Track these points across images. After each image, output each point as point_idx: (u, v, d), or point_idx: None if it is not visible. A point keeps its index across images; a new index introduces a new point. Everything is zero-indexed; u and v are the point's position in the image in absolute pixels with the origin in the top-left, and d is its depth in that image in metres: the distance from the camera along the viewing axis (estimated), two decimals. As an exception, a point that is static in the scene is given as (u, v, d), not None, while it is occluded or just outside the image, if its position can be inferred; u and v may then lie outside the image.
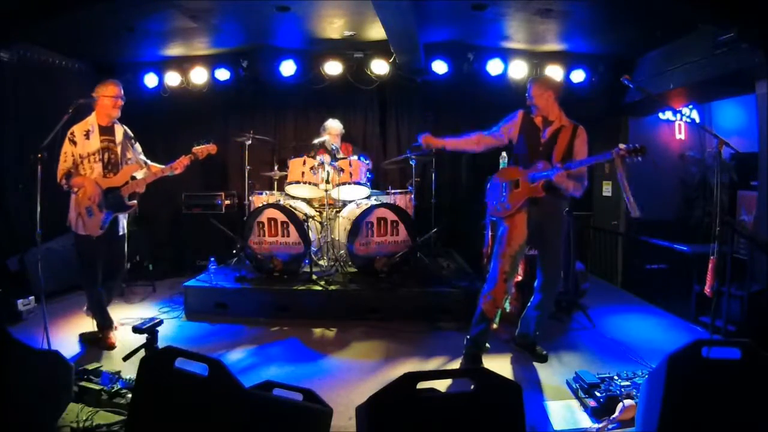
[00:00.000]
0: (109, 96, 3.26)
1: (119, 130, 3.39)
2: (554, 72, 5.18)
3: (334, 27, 4.60)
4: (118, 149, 3.35)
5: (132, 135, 3.50)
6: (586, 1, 3.80)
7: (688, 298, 4.01)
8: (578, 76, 5.19)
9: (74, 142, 3.22)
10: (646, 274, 4.82)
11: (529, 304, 3.31)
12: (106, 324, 3.47)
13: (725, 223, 3.02)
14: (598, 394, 2.54)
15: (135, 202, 3.42)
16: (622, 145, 2.80)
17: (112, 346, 3.40)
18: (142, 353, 2.39)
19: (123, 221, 3.46)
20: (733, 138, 3.13)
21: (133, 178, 3.39)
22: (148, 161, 3.55)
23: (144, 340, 2.49)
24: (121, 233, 3.43)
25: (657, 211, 5.41)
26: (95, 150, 3.25)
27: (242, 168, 5.03)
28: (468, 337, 3.17)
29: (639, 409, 2.13)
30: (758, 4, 3.16)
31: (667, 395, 1.80)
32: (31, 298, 4.02)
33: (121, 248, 3.49)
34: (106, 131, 3.32)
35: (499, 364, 3.19)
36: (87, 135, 3.24)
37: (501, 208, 3.12)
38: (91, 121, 3.28)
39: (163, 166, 3.45)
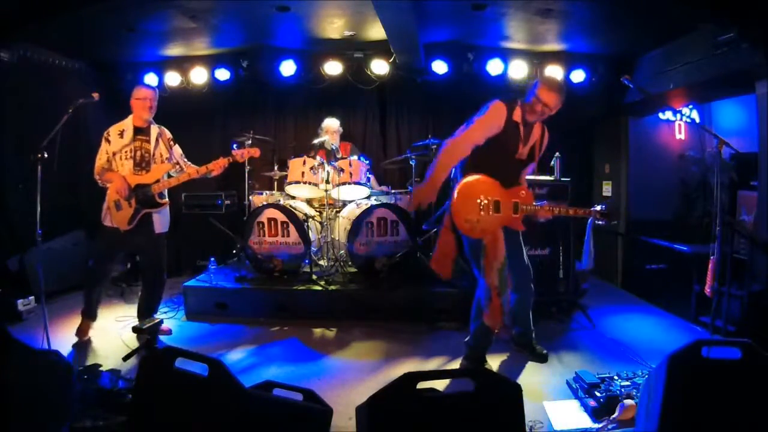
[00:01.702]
0: (139, 99, 3.40)
1: (154, 131, 3.50)
2: (554, 72, 5.18)
3: (334, 27, 4.60)
4: (151, 148, 3.46)
5: (171, 137, 3.60)
6: (586, 1, 3.80)
7: (688, 298, 4.01)
8: (578, 76, 5.19)
9: (108, 141, 3.40)
10: (646, 274, 4.82)
11: (510, 305, 3.20)
12: (91, 315, 3.56)
13: (725, 223, 3.02)
14: (598, 394, 2.54)
15: (167, 200, 3.51)
16: (598, 207, 2.90)
17: (82, 335, 3.50)
18: (142, 353, 2.39)
19: (159, 220, 3.52)
20: (733, 138, 3.12)
21: (170, 176, 3.49)
22: (188, 162, 3.62)
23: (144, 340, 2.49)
24: (157, 232, 3.51)
25: (657, 211, 5.41)
26: (127, 148, 3.39)
27: (242, 168, 5.02)
28: (471, 345, 3.07)
29: (639, 409, 2.13)
30: (758, 4, 3.16)
31: (667, 395, 1.80)
32: (31, 298, 4.02)
33: (155, 246, 3.54)
34: (141, 132, 3.45)
35: (499, 364, 3.19)
36: (121, 134, 3.41)
37: (476, 228, 2.76)
38: (127, 122, 3.44)
39: (198, 167, 3.51)
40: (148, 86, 3.54)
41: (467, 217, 2.75)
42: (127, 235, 3.40)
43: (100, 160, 3.40)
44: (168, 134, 3.58)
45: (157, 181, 3.40)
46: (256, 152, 3.64)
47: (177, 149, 3.61)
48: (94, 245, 3.54)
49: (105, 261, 3.55)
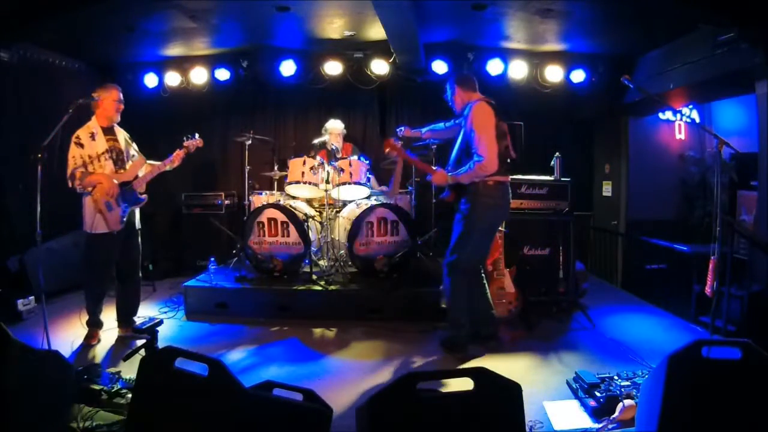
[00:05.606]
0: (113, 99, 3.38)
1: (119, 130, 3.52)
2: (554, 72, 5.19)
3: (334, 27, 4.60)
4: (122, 146, 3.49)
5: (129, 135, 3.61)
6: (586, 1, 3.80)
7: (688, 298, 4.01)
8: (578, 76, 5.19)
9: (81, 145, 3.32)
10: (646, 274, 4.82)
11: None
12: (98, 323, 3.55)
13: (725, 223, 3.02)
14: (598, 394, 2.54)
15: (146, 195, 3.54)
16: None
17: (91, 341, 3.48)
18: (142, 353, 2.39)
19: (138, 215, 3.60)
20: (733, 138, 3.12)
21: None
22: (147, 160, 3.62)
23: (144, 340, 2.49)
24: (138, 227, 3.59)
25: (657, 211, 5.42)
26: (104, 150, 3.37)
27: (242, 168, 5.02)
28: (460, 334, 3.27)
29: (639, 409, 2.13)
30: (758, 4, 3.17)
31: (667, 395, 1.80)
32: (31, 298, 4.02)
33: (138, 242, 3.62)
34: (109, 132, 3.44)
35: (499, 364, 3.19)
36: (92, 137, 3.35)
37: None
38: (93, 124, 3.39)
39: (164, 161, 3.54)
40: (117, 87, 3.46)
41: None
42: (118, 235, 3.40)
43: (75, 164, 3.27)
44: (126, 134, 3.59)
45: (136, 177, 3.45)
46: (200, 142, 3.68)
47: (135, 146, 3.64)
48: (91, 258, 3.45)
49: (106, 270, 3.50)
